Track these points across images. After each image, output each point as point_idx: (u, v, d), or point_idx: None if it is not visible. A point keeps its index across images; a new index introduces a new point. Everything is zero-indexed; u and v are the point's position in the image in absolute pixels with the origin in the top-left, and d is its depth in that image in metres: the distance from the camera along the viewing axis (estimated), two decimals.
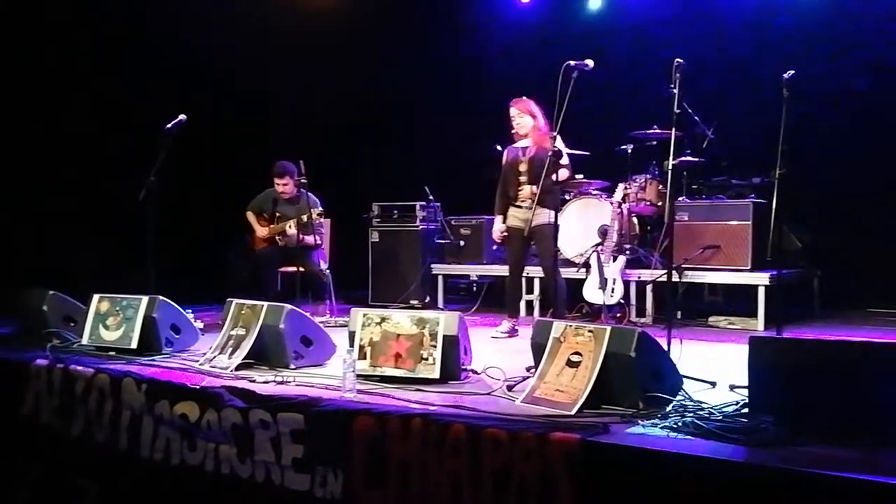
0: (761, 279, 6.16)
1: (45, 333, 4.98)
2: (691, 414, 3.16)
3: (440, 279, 7.86)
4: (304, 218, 6.61)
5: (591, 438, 2.90)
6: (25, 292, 5.33)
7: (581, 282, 6.41)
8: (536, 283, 7.08)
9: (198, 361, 4.45)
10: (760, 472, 2.58)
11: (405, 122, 8.99)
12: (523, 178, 5.77)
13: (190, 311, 5.41)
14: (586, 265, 6.50)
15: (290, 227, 6.67)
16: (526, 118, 5.78)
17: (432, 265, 7.83)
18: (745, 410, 3.16)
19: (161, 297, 4.86)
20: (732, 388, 3.73)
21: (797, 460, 2.61)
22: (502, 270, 7.23)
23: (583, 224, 6.88)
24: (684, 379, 3.58)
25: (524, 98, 5.85)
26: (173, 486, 3.87)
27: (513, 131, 5.90)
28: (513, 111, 5.84)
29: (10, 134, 6.98)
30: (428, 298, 7.70)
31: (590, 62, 4.81)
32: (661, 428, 3.05)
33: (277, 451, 3.52)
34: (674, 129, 4.26)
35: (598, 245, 6.48)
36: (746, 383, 3.25)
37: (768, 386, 3.05)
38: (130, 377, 4.09)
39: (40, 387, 4.42)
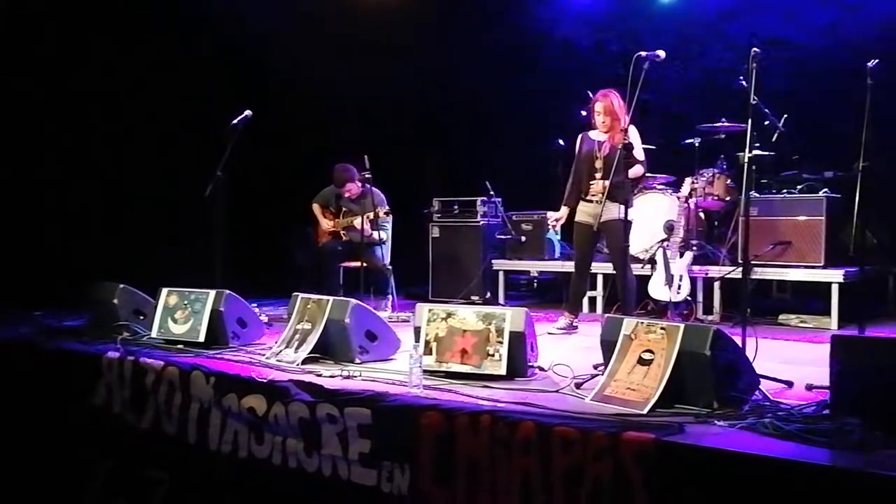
0: (835, 276, 5.95)
1: (115, 326, 5.07)
2: (770, 415, 3.05)
3: (501, 275, 7.79)
4: (371, 216, 6.59)
5: (665, 438, 2.82)
6: (97, 286, 5.44)
7: (646, 278, 6.29)
8: (599, 279, 6.98)
9: (264, 355, 4.48)
10: (848, 477, 2.47)
11: (466, 117, 8.93)
12: (598, 175, 5.61)
13: (255, 304, 5.47)
14: (651, 261, 6.38)
15: (356, 221, 6.67)
16: (608, 120, 5.54)
17: (493, 261, 7.76)
18: (827, 412, 3.04)
19: (228, 291, 4.90)
20: (810, 388, 3.62)
21: (887, 465, 2.49)
22: (564, 266, 7.16)
23: (648, 219, 6.73)
24: (760, 378, 3.47)
25: (611, 92, 5.52)
26: (241, 478, 3.91)
27: (591, 121, 5.69)
28: (598, 107, 5.59)
29: (76, 132, 7.14)
30: (489, 294, 7.65)
31: (661, 53, 4.69)
32: (738, 429, 2.96)
33: (344, 446, 3.53)
34: (750, 121, 4.14)
35: (663, 241, 6.36)
36: (826, 383, 3.14)
37: (853, 387, 2.93)
38: (199, 370, 4.15)
39: (112, 379, 4.51)
